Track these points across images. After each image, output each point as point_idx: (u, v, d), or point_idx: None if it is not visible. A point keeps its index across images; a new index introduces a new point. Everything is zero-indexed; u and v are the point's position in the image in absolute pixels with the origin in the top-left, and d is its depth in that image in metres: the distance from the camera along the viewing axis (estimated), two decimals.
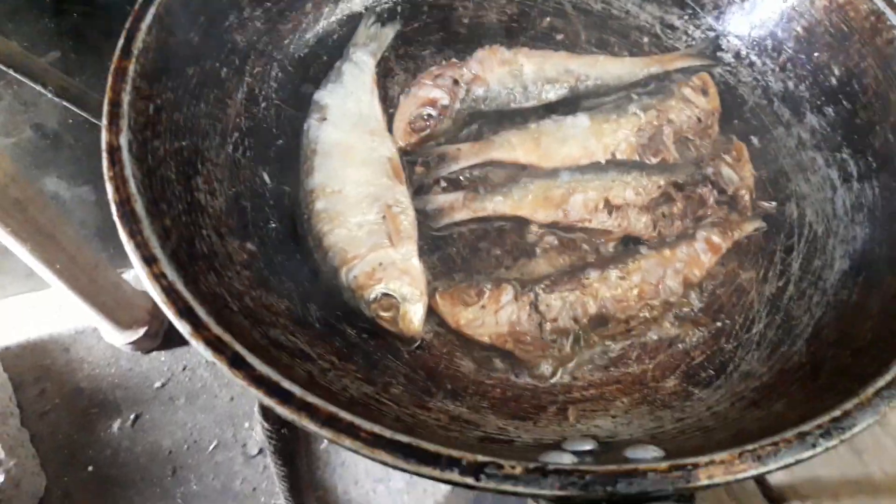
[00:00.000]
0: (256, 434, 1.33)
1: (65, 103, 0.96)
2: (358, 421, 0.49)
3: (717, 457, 0.49)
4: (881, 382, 0.54)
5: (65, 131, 1.19)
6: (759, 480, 1.45)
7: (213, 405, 1.45)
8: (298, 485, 0.90)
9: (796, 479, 1.43)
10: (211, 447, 1.40)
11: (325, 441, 1.44)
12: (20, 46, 0.92)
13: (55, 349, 1.49)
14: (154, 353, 1.50)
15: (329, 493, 1.39)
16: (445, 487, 1.41)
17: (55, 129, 1.18)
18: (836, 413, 0.52)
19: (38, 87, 0.89)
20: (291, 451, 0.82)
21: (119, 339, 1.44)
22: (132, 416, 1.42)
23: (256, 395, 0.51)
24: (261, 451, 1.40)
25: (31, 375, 1.46)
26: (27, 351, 1.48)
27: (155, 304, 1.43)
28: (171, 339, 1.50)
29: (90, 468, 1.37)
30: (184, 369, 1.48)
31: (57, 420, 1.41)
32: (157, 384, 1.46)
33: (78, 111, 1.03)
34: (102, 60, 1.07)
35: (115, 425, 1.41)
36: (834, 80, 0.83)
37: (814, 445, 0.50)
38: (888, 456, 1.49)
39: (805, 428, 0.51)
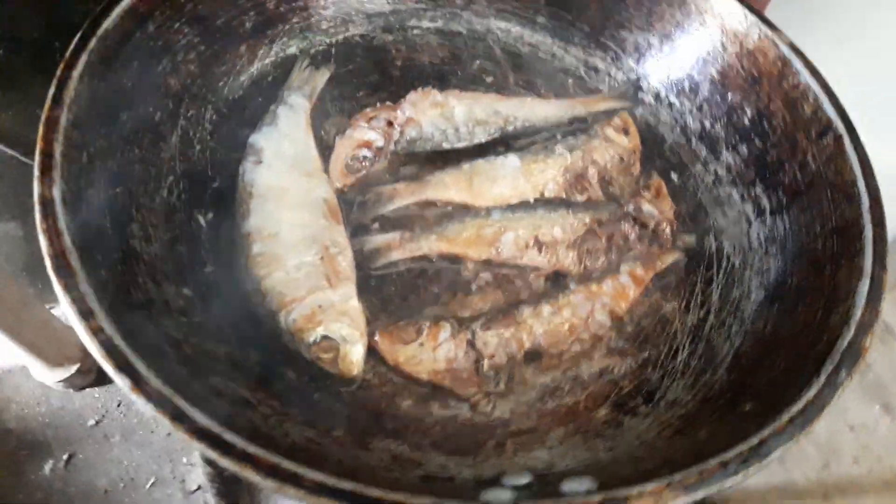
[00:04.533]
0: (199, 469, 1.31)
1: None
2: (301, 470, 0.50)
3: (647, 488, 0.52)
4: (794, 410, 0.58)
5: None
6: None
7: (149, 441, 1.41)
8: None
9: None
10: (148, 484, 1.37)
11: None
12: None
13: None
14: (87, 389, 1.45)
15: None
16: None
17: None
18: (755, 441, 0.56)
19: None
20: (235, 491, 0.82)
21: (49, 376, 1.39)
22: (65, 457, 1.37)
23: (198, 448, 0.51)
24: (199, 487, 1.37)
25: None
26: None
27: None
28: (104, 376, 1.45)
29: None
30: (118, 405, 1.44)
31: None
32: (91, 422, 1.42)
33: (3, 148, 1.01)
34: (28, 97, 1.05)
35: (47, 467, 1.36)
36: (747, 121, 0.88)
37: (735, 472, 0.54)
38: (810, 463, 1.58)
39: (726, 457, 0.55)
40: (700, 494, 0.54)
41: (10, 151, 1.03)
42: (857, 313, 0.64)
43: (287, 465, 0.50)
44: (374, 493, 0.50)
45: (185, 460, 1.40)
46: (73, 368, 1.39)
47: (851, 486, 1.55)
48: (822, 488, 1.54)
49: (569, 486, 0.58)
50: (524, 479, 0.61)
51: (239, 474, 0.51)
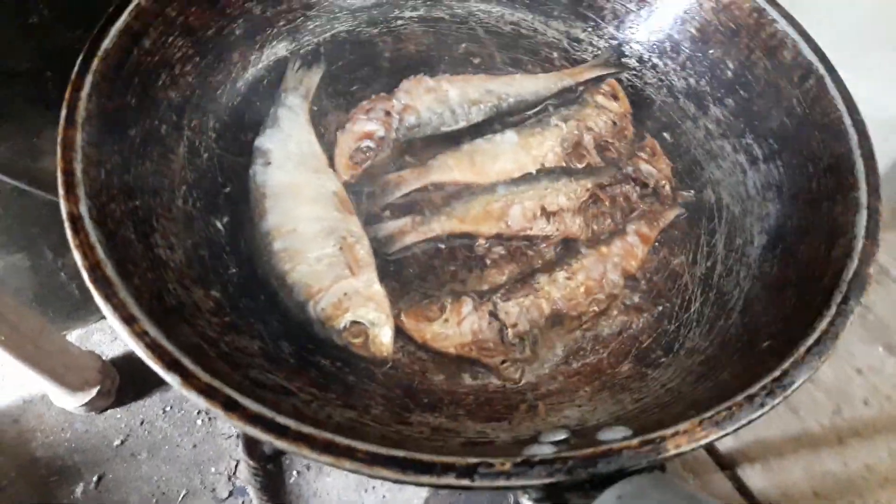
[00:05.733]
0: (239, 472, 1.33)
1: None
2: (354, 443, 0.53)
3: (681, 427, 0.55)
4: (810, 341, 0.61)
5: None
6: (710, 450, 1.55)
7: (176, 455, 1.44)
8: None
9: (743, 443, 1.54)
10: (180, 497, 1.39)
11: (294, 474, 1.45)
12: None
13: (4, 422, 1.45)
14: (109, 411, 1.47)
15: None
16: (423, 495, 1.44)
17: None
18: (777, 373, 0.59)
19: None
20: (277, 486, 0.84)
21: (71, 402, 1.41)
22: (94, 479, 1.39)
23: (253, 433, 0.54)
24: (231, 493, 1.40)
25: None
26: None
27: (104, 363, 1.42)
28: (124, 396, 1.48)
29: None
30: (141, 423, 1.46)
31: (15, 494, 1.37)
32: (117, 442, 1.44)
33: (5, 179, 1.03)
34: (24, 127, 1.07)
35: (78, 490, 1.38)
36: (730, 73, 0.91)
37: (762, 405, 0.57)
38: (822, 409, 1.62)
39: (752, 391, 0.57)
40: (731, 429, 0.56)
41: (13, 182, 1.05)
42: (859, 244, 0.67)
43: (340, 440, 0.53)
44: (426, 457, 0.53)
45: (213, 470, 1.43)
46: (94, 392, 1.41)
47: (865, 428, 1.58)
48: (836, 433, 1.58)
49: (605, 435, 0.61)
50: (561, 436, 0.64)
51: (296, 453, 0.53)
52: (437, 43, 0.99)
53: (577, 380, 0.74)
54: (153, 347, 0.56)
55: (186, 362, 0.56)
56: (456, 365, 0.74)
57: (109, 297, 0.58)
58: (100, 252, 0.60)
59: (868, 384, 1.65)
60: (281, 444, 0.53)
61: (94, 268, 0.59)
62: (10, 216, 1.21)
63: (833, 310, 0.63)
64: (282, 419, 0.54)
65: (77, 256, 0.60)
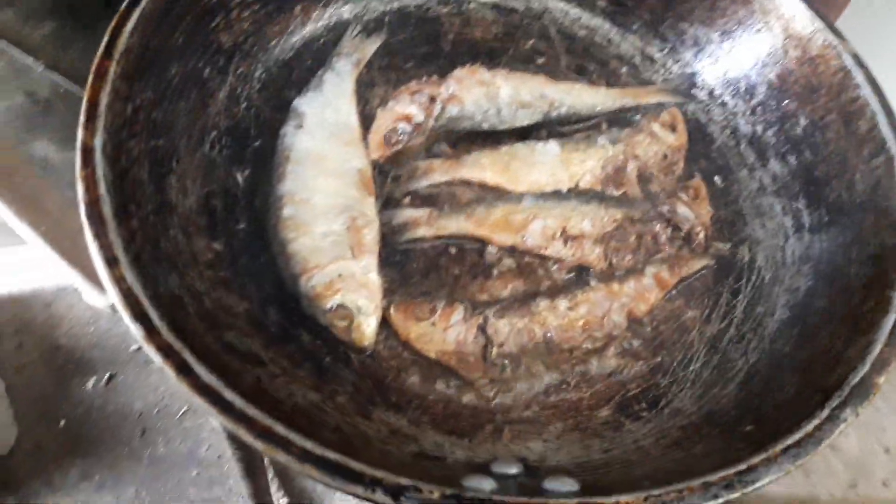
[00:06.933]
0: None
1: (55, 76, 0.99)
2: (291, 436, 0.52)
3: (624, 499, 0.53)
4: (790, 441, 0.57)
5: (56, 99, 1.20)
6: None
7: None
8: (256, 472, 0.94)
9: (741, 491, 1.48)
10: (180, 413, 1.45)
11: None
12: (17, 15, 0.95)
13: (36, 304, 1.52)
14: None
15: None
16: None
17: (46, 97, 1.19)
18: (742, 467, 0.55)
19: (30, 60, 0.92)
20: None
21: (100, 300, 1.46)
22: (106, 376, 1.46)
23: (198, 404, 0.54)
24: None
25: (11, 328, 1.49)
26: (8, 303, 1.51)
27: None
28: None
29: (62, 423, 1.42)
30: None
31: (33, 374, 1.45)
32: (134, 346, 1.50)
33: (67, 85, 1.05)
34: (95, 35, 1.09)
35: (90, 384, 1.45)
36: (800, 130, 0.85)
37: (715, 496, 0.53)
38: (836, 480, 1.54)
39: (710, 478, 0.54)
40: None
41: (73, 87, 1.08)
42: (876, 349, 0.62)
43: (280, 429, 0.53)
44: (357, 466, 0.52)
45: None
46: None
47: None
48: None
49: (551, 484, 0.59)
50: (513, 469, 0.63)
51: (234, 432, 0.53)
52: (504, 34, 0.96)
53: (551, 413, 0.72)
54: (126, 294, 0.57)
55: (154, 316, 0.56)
56: (433, 369, 0.73)
57: (98, 235, 0.59)
58: (102, 188, 0.61)
59: (893, 465, 1.57)
60: (222, 419, 0.53)
61: (93, 203, 0.60)
62: (71, 115, 1.24)
63: (826, 413, 0.59)
64: (229, 394, 0.54)
65: (79, 188, 0.61)
